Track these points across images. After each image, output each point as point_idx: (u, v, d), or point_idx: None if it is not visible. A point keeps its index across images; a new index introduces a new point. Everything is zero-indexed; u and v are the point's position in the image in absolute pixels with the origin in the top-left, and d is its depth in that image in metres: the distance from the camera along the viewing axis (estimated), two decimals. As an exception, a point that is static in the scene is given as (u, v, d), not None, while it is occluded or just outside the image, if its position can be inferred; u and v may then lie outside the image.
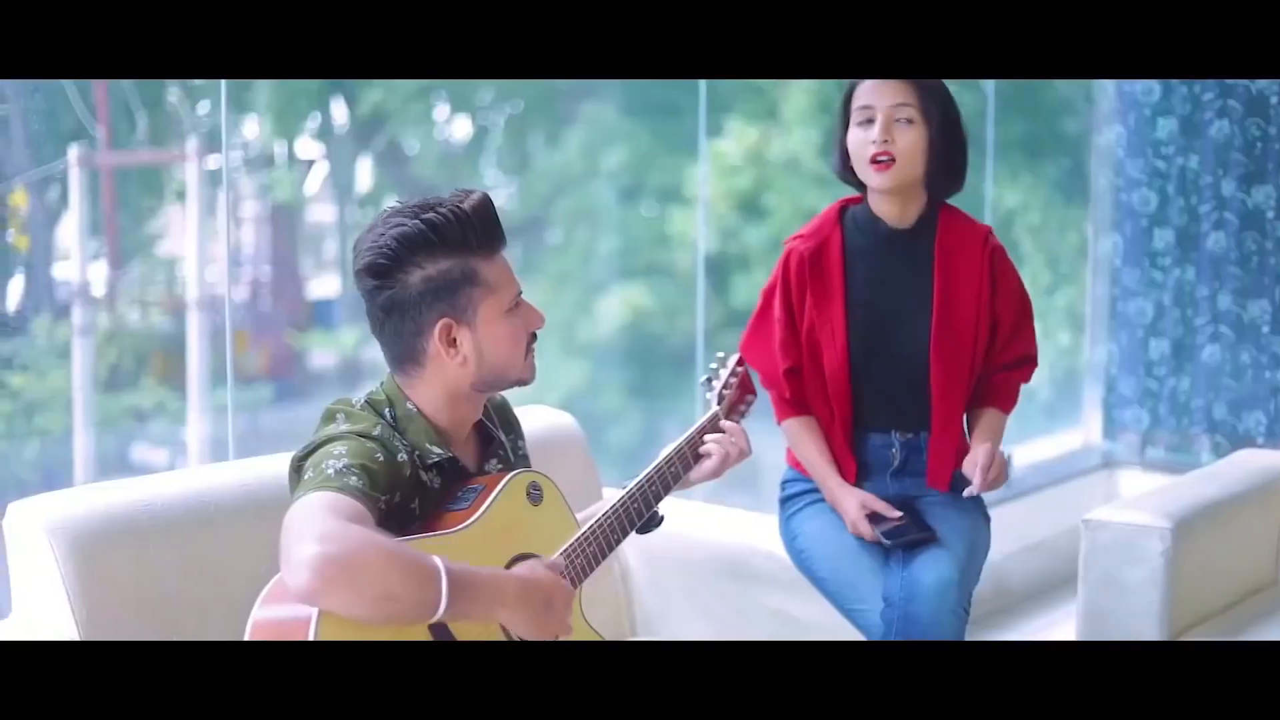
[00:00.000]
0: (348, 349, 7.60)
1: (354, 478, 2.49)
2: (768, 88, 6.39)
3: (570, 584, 2.73)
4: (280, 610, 2.40)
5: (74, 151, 6.10)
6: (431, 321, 2.64)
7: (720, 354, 3.29)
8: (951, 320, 3.36)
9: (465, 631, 2.52)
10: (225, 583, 2.85)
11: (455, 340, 2.65)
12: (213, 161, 7.43)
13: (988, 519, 3.56)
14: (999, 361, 3.46)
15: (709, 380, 3.22)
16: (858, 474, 3.44)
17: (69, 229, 6.28)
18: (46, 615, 2.75)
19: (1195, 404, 6.58)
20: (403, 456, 2.63)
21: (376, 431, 2.62)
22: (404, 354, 2.69)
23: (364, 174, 7.31)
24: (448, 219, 2.62)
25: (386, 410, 2.70)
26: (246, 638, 2.43)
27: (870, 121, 3.29)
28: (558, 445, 3.54)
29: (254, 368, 7.31)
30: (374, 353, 7.56)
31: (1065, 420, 7.43)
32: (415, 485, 2.65)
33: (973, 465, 3.31)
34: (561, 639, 2.61)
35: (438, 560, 2.39)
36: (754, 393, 3.29)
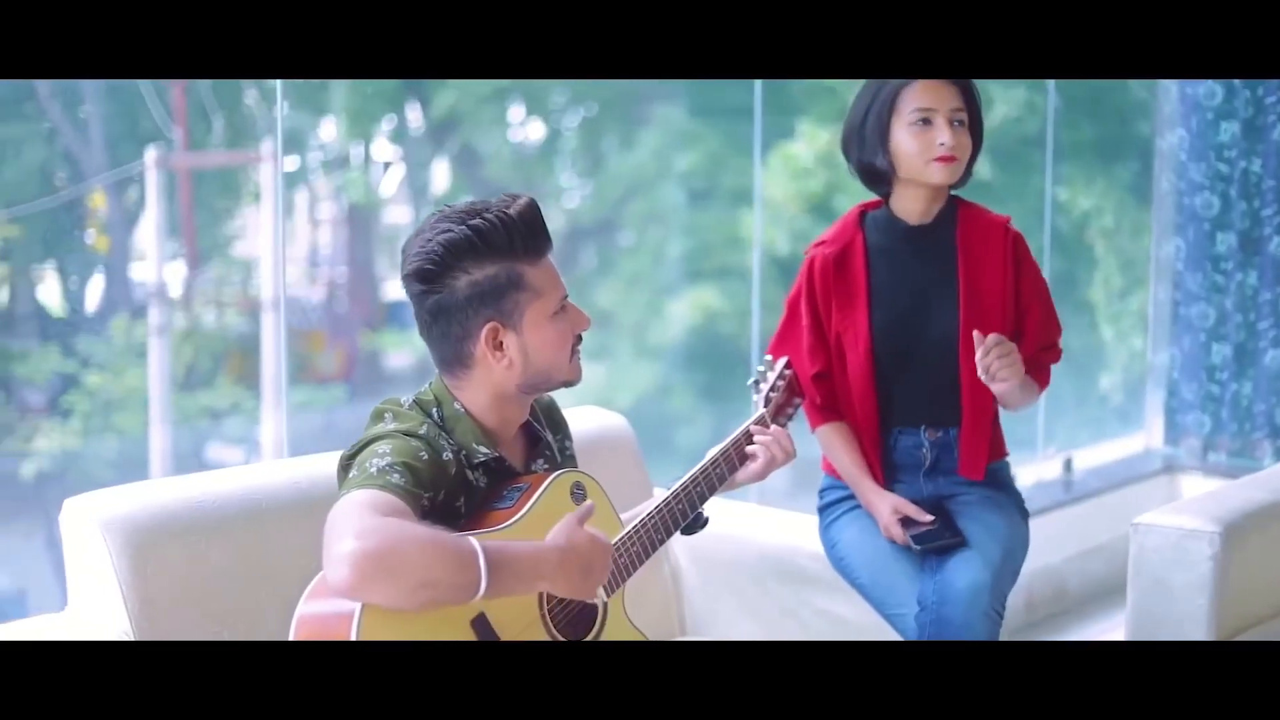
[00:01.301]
0: (422, 349, 7.63)
1: (396, 475, 2.52)
2: (840, 89, 6.37)
3: (610, 585, 2.74)
4: (324, 605, 2.43)
5: (151, 153, 6.17)
6: (478, 326, 2.67)
7: (769, 356, 3.30)
8: (978, 309, 3.36)
9: (509, 630, 2.54)
10: (277, 579, 2.88)
11: (501, 344, 2.68)
12: (289, 163, 7.51)
13: (1026, 516, 3.54)
14: (1032, 349, 3.46)
15: (756, 382, 3.23)
16: (891, 475, 3.45)
17: (147, 230, 6.35)
18: (100, 609, 2.79)
19: (1257, 409, 6.52)
20: (448, 455, 2.65)
21: (422, 430, 2.64)
22: (451, 357, 2.72)
23: (439, 176, 7.35)
24: (494, 225, 2.64)
25: (434, 410, 2.72)
26: (291, 632, 2.46)
27: (928, 123, 3.31)
28: (609, 445, 3.56)
29: (329, 368, 7.39)
30: (419, 359, 7.58)
31: (1132, 424, 7.40)
32: (461, 484, 2.68)
33: (978, 341, 3.21)
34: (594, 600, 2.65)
35: (474, 541, 2.42)
36: (802, 395, 3.29)
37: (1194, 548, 3.72)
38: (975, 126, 3.42)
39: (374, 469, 2.52)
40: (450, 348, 2.71)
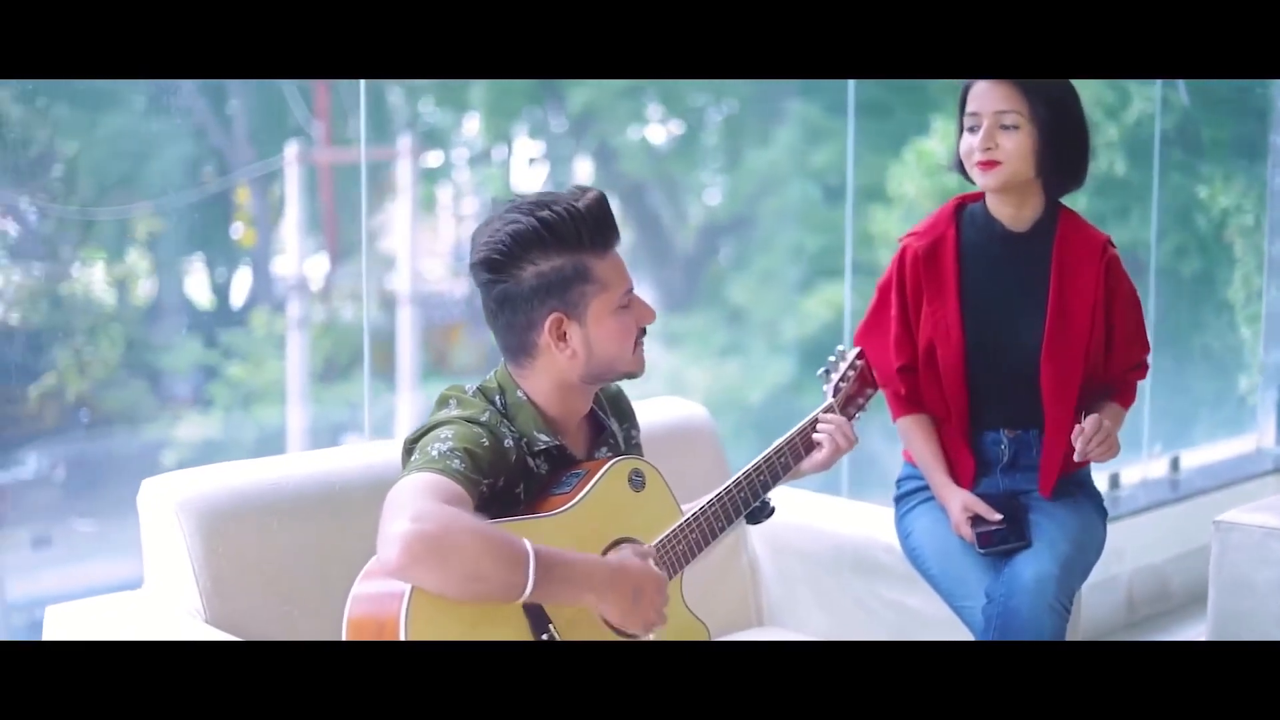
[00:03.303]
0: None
1: (457, 460, 2.53)
2: (976, 87, 6.29)
3: (667, 571, 2.74)
4: (377, 585, 2.45)
5: (292, 148, 6.27)
6: (543, 316, 2.68)
7: (840, 347, 3.28)
8: (1065, 324, 3.32)
9: (561, 614, 2.55)
10: (348, 562, 2.89)
11: (565, 334, 2.69)
12: (433, 159, 7.59)
13: (1103, 514, 3.49)
14: (1116, 370, 3.43)
15: (827, 371, 3.21)
16: (972, 471, 3.42)
17: (289, 225, 6.46)
18: (174, 589, 2.84)
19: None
20: (509, 442, 2.67)
21: (484, 417, 2.66)
22: (516, 345, 2.73)
23: (579, 172, 7.38)
24: (561, 217, 2.65)
25: (497, 397, 2.74)
26: (346, 610, 2.49)
27: (976, 128, 3.31)
28: (689, 436, 3.55)
29: (466, 361, 7.44)
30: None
31: (1247, 423, 7.29)
32: (521, 471, 2.69)
33: (1078, 433, 3.27)
34: (656, 631, 2.62)
35: (527, 543, 2.42)
36: (875, 386, 3.26)
37: (1276, 547, 3.65)
38: (1050, 126, 3.32)
39: (435, 453, 2.55)
40: (515, 337, 2.73)
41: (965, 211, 3.47)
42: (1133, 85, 6.37)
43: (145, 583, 2.92)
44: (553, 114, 6.79)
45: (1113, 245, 3.44)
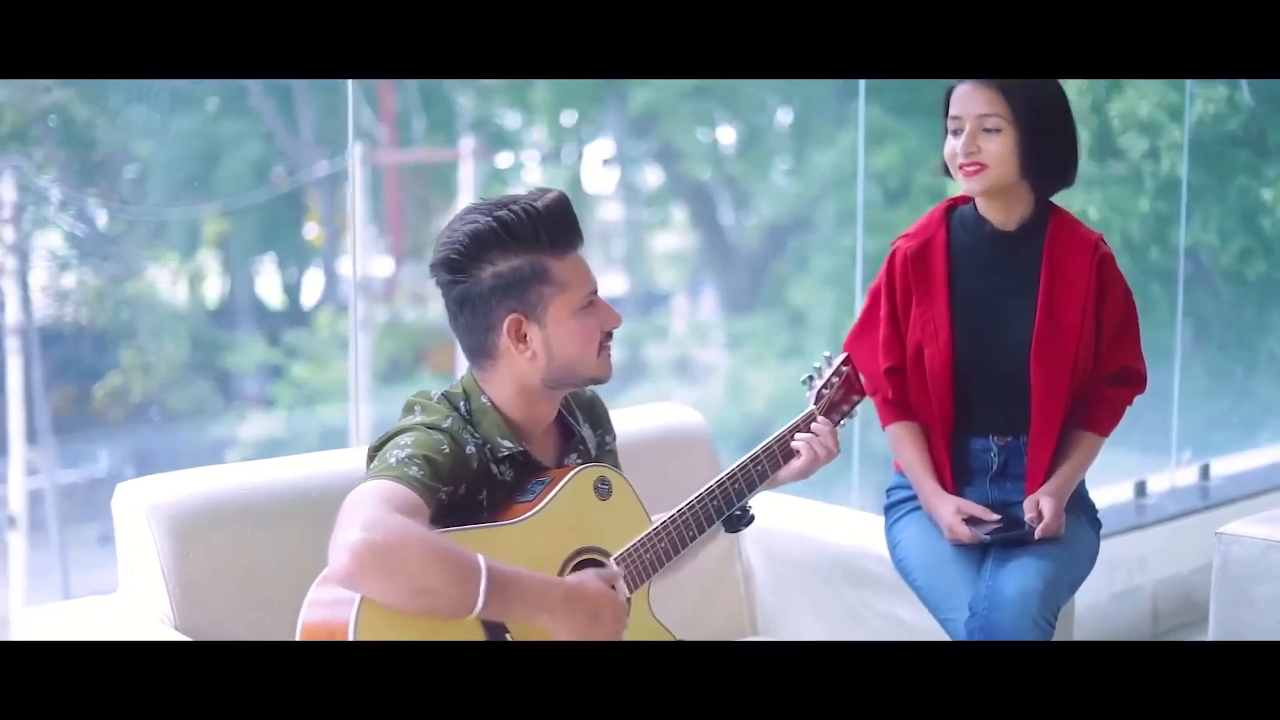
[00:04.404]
0: (632, 343, 7.68)
1: (415, 468, 2.50)
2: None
3: (634, 580, 2.70)
4: (331, 592, 2.43)
5: (357, 150, 6.29)
6: (502, 317, 2.64)
7: (827, 353, 3.22)
8: (1055, 324, 3.23)
9: (521, 633, 2.52)
10: (321, 569, 2.88)
11: (525, 336, 2.65)
12: (502, 160, 7.61)
13: (1096, 525, 3.40)
14: (1101, 372, 3.32)
15: (810, 378, 3.15)
16: (959, 478, 3.35)
17: (353, 226, 6.48)
18: (145, 594, 2.83)
19: None
20: (471, 449, 2.63)
21: (446, 424, 2.63)
22: (476, 348, 2.70)
23: (647, 173, 7.35)
24: (519, 217, 2.61)
25: (462, 403, 2.71)
26: (301, 615, 2.48)
27: (959, 132, 3.23)
28: (683, 442, 3.49)
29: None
30: (650, 352, 7.58)
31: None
32: (484, 478, 2.65)
33: (1033, 507, 3.19)
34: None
35: (481, 559, 2.39)
36: (862, 393, 3.19)
37: (1278, 560, 3.55)
38: (1033, 127, 3.23)
39: (394, 460, 2.52)
40: (475, 339, 2.69)
41: (955, 213, 3.39)
42: (1196, 86, 6.26)
43: (120, 587, 2.92)
44: (615, 115, 6.79)
45: (1105, 244, 3.35)
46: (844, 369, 3.10)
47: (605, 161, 7.35)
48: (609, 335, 2.72)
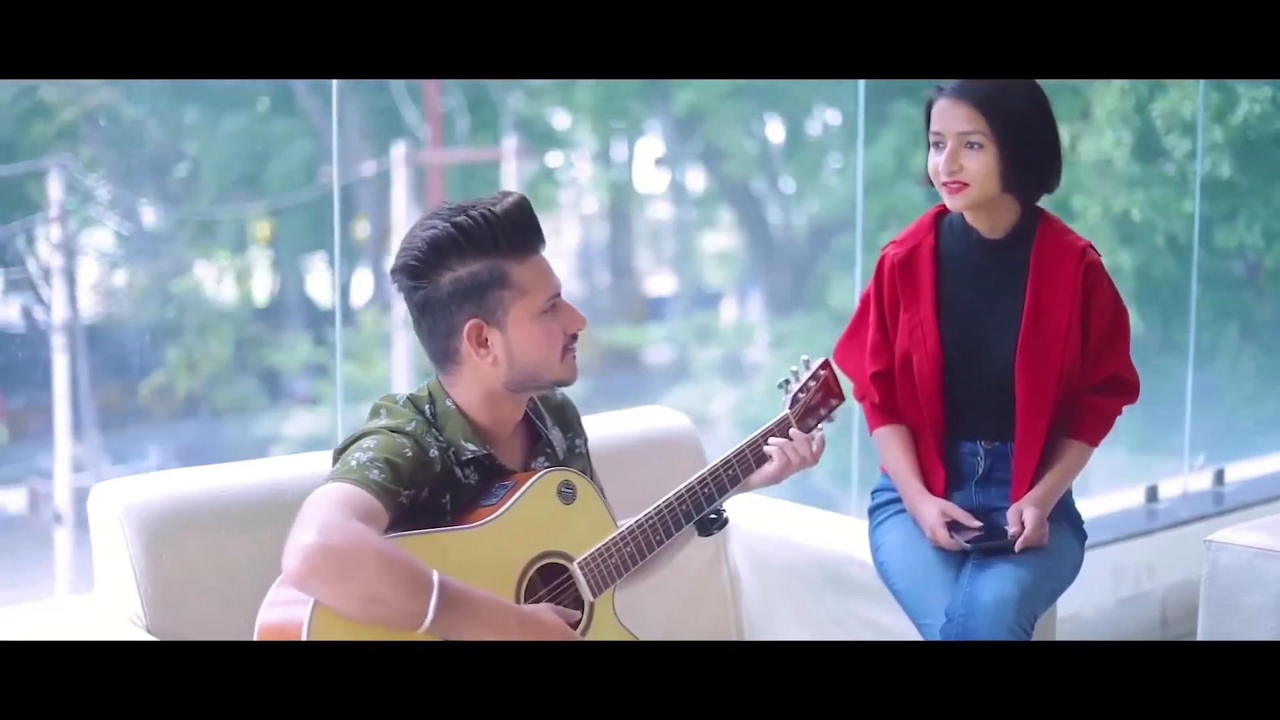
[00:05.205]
0: (681, 345, 7.64)
1: (376, 471, 2.49)
2: (1082, 88, 6.13)
3: (597, 585, 2.67)
4: (288, 593, 2.42)
5: (399, 149, 6.31)
6: (462, 322, 2.62)
7: (805, 357, 3.18)
8: (1041, 331, 3.17)
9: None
10: (295, 571, 2.89)
11: (486, 340, 2.62)
12: (552, 160, 7.60)
13: (1081, 535, 3.34)
14: (1088, 380, 3.26)
15: (786, 382, 3.10)
16: (949, 483, 3.30)
17: (395, 224, 6.50)
18: (118, 595, 2.83)
19: None
20: (435, 452, 2.61)
21: (410, 427, 2.61)
22: (439, 353, 2.68)
23: (696, 174, 7.32)
24: (477, 222, 2.59)
25: (427, 407, 2.69)
26: (259, 614, 2.47)
27: (941, 146, 3.17)
28: (670, 445, 3.45)
29: (579, 363, 7.32)
30: (698, 353, 7.54)
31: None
32: (447, 481, 2.63)
33: (1015, 517, 3.13)
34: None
35: (435, 574, 2.37)
36: (840, 397, 3.14)
37: (1266, 568, 3.46)
38: (1009, 141, 3.17)
39: (355, 463, 2.50)
40: (438, 344, 2.67)
41: (944, 220, 3.34)
42: (1240, 86, 6.16)
43: (95, 588, 2.93)
44: (660, 116, 6.76)
45: (1094, 251, 3.28)
46: (822, 373, 3.05)
47: (658, 161, 7.32)
48: (573, 338, 2.69)
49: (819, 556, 3.50)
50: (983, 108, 3.10)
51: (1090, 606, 4.56)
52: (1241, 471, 6.15)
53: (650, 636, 2.94)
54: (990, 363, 3.19)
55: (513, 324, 2.61)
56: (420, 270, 2.58)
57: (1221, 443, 6.23)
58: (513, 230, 2.59)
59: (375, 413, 2.67)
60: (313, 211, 6.51)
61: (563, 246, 7.67)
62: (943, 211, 3.27)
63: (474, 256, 2.59)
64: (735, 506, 3.49)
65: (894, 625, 3.28)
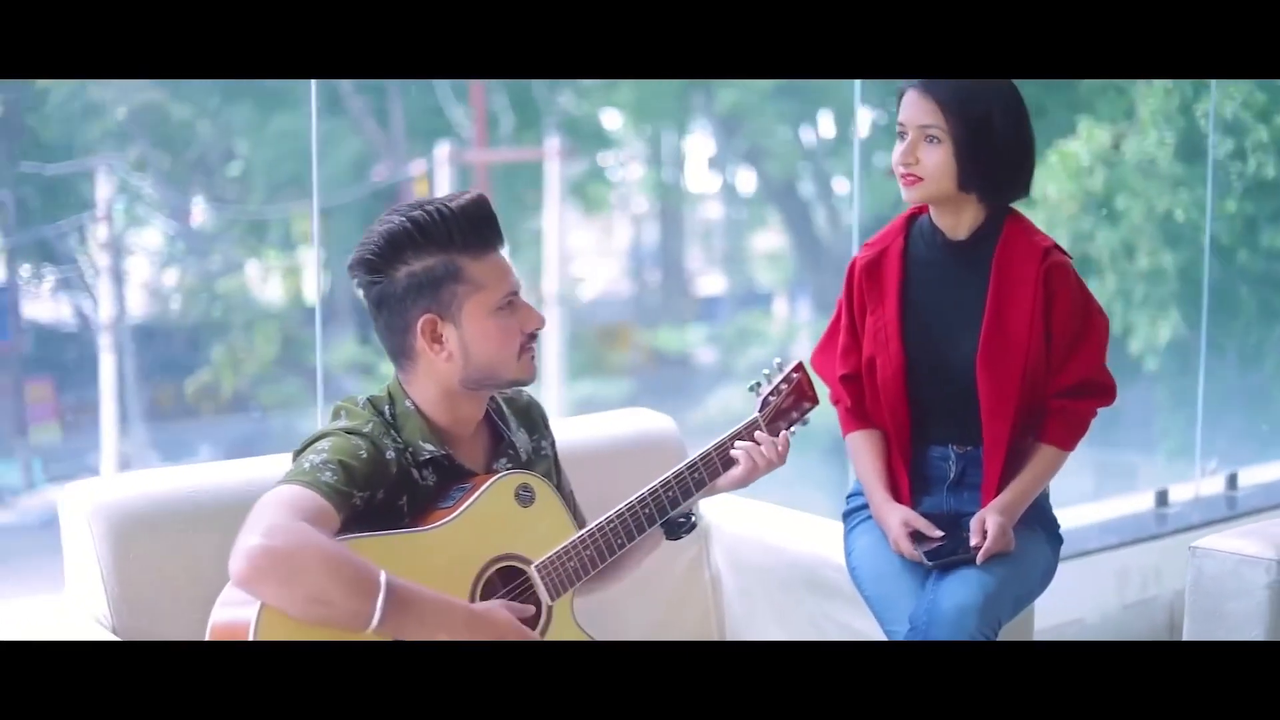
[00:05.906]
0: (728, 345, 7.61)
1: (329, 473, 2.49)
2: (1127, 88, 6.07)
3: (555, 589, 2.66)
4: (239, 593, 2.43)
5: (443, 148, 6.32)
6: (416, 317, 2.61)
7: (778, 360, 3.15)
8: (1002, 333, 3.11)
9: None
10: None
11: (440, 336, 2.62)
12: (602, 160, 7.59)
13: (1056, 541, 3.28)
14: (1056, 385, 3.19)
15: (756, 385, 3.08)
16: (917, 488, 3.25)
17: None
18: (85, 596, 2.84)
19: None
20: (391, 454, 2.60)
21: (367, 429, 2.61)
22: (396, 349, 2.67)
23: (744, 173, 7.29)
24: (433, 217, 2.59)
25: (386, 407, 2.68)
26: (211, 614, 2.48)
27: (903, 137, 3.14)
28: (654, 447, 3.43)
29: (627, 362, 7.38)
30: (746, 354, 7.52)
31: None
32: (405, 482, 2.62)
33: (978, 526, 3.07)
34: None
35: (383, 575, 2.37)
36: (814, 401, 3.11)
37: (1250, 575, 3.39)
38: (969, 139, 3.12)
39: (308, 465, 2.50)
40: (393, 340, 2.67)
41: (915, 222, 3.30)
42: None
43: (65, 589, 2.94)
44: (702, 115, 6.74)
45: (1060, 251, 3.22)
46: (794, 376, 3.02)
47: (711, 160, 7.30)
48: (532, 337, 2.68)
49: (796, 559, 3.48)
50: (943, 103, 3.06)
51: (1095, 611, 4.52)
52: (1254, 476, 6.05)
53: (634, 637, 2.93)
54: (955, 366, 3.15)
55: (467, 319, 2.62)
56: (376, 264, 2.60)
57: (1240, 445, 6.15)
58: (468, 226, 2.60)
59: (335, 414, 2.68)
60: (364, 211, 6.54)
61: (614, 246, 7.68)
62: (915, 214, 3.24)
63: (429, 251, 2.61)
64: (719, 509, 3.47)
65: (867, 629, 3.25)
